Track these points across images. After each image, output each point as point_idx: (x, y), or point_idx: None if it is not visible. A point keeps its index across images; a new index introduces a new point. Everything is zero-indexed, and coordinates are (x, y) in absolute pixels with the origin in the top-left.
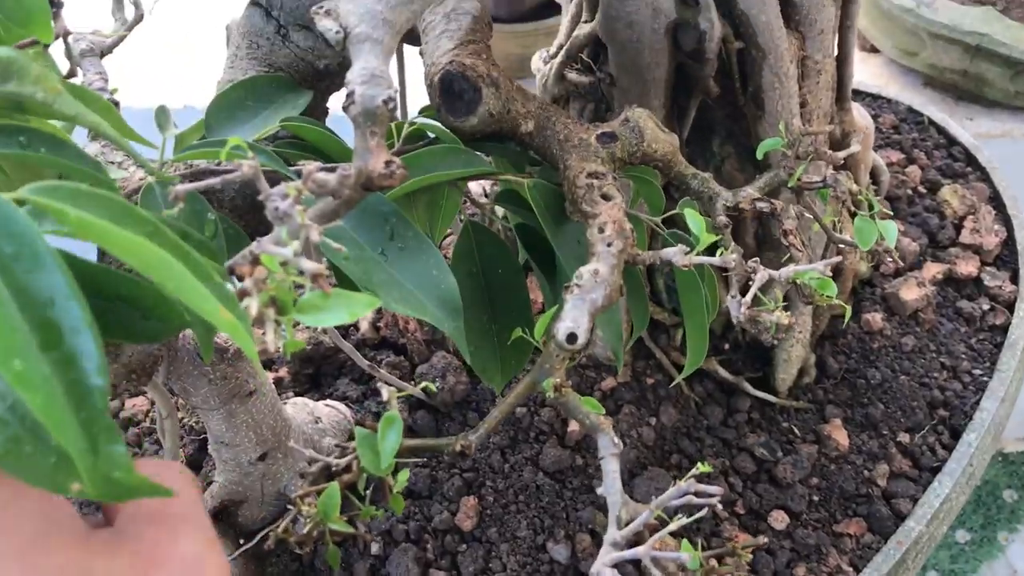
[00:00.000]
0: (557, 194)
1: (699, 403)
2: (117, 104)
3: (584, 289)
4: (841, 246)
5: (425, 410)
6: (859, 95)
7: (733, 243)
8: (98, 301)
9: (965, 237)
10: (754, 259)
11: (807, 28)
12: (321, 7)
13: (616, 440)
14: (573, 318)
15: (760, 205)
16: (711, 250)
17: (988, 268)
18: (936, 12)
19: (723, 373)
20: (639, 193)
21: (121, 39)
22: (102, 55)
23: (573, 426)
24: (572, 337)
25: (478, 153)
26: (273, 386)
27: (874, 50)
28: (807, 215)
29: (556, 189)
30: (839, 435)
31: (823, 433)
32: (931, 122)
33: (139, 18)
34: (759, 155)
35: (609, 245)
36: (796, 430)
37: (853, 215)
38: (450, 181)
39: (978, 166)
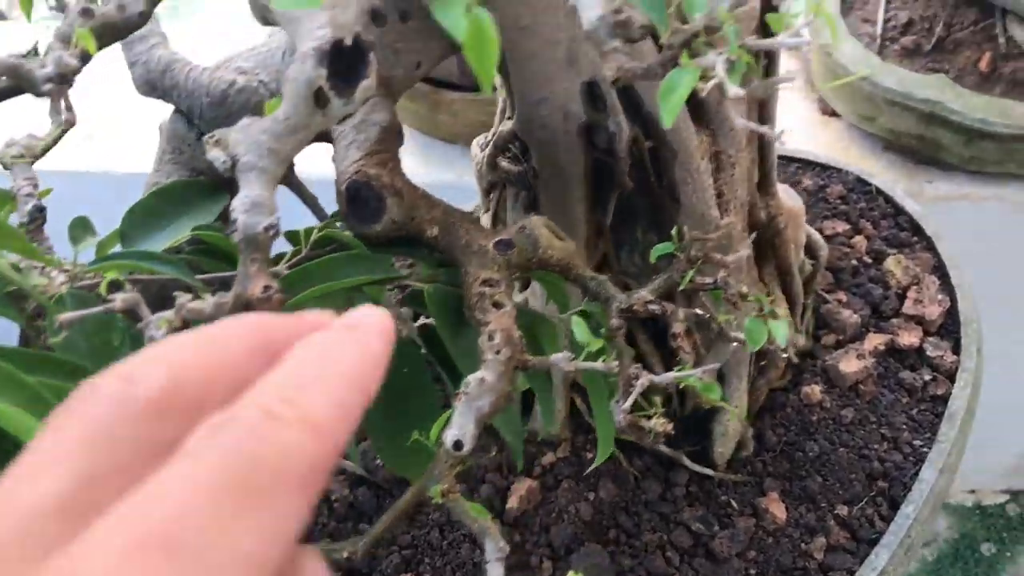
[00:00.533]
0: (459, 298)
1: (638, 477)
2: (43, 210)
3: (471, 397)
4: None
5: (366, 487)
6: (809, 165)
7: (624, 346)
8: None
9: (908, 307)
10: (636, 365)
11: (718, 126)
12: (212, 136)
13: (502, 544)
14: (460, 425)
15: (652, 308)
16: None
17: (931, 338)
18: (889, 80)
19: (661, 447)
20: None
21: (56, 140)
22: (34, 160)
23: (511, 502)
24: (458, 444)
25: (386, 256)
26: None
27: (835, 114)
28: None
29: (458, 292)
30: (776, 508)
31: (760, 506)
32: (879, 191)
33: (71, 121)
34: (652, 259)
35: (497, 353)
36: (734, 503)
37: (788, 292)
38: (355, 287)
39: (924, 235)
